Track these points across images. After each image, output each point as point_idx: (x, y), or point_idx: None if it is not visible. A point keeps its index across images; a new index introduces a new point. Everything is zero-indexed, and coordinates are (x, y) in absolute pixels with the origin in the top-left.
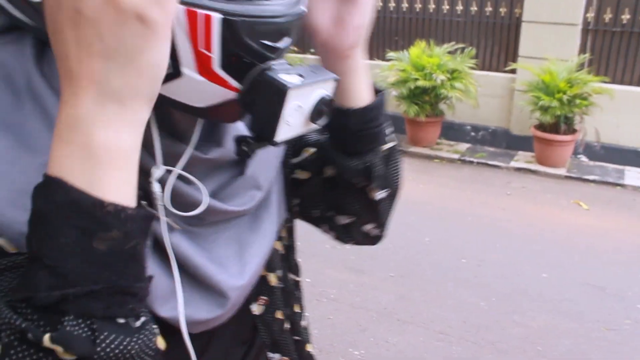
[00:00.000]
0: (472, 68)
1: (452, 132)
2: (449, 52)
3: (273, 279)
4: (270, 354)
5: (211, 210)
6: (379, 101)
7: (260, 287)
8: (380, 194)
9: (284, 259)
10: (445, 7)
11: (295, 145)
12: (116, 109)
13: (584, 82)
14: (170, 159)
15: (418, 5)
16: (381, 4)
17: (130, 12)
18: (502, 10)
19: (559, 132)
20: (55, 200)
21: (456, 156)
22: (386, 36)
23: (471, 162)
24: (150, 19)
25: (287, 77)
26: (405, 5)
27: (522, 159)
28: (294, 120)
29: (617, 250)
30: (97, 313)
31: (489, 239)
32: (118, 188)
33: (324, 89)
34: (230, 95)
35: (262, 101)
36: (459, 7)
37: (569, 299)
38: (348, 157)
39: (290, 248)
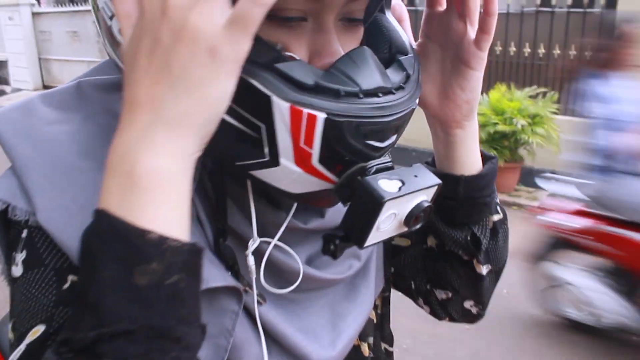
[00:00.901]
0: (554, 113)
1: (532, 178)
2: (530, 97)
3: (366, 350)
4: None
5: (306, 277)
6: (490, 169)
7: (353, 357)
8: (483, 269)
9: (378, 327)
10: (527, 49)
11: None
12: (165, 136)
13: None
14: (269, 228)
15: (498, 48)
16: None
17: (204, 45)
18: (588, 53)
19: None
20: (98, 232)
21: (534, 203)
22: None
23: None
24: (221, 54)
25: (386, 185)
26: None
27: None
28: (386, 226)
29: None
30: (134, 358)
31: None
32: (162, 218)
33: (425, 195)
34: (326, 186)
35: (358, 203)
36: (541, 50)
37: None
38: (454, 228)
39: (384, 317)
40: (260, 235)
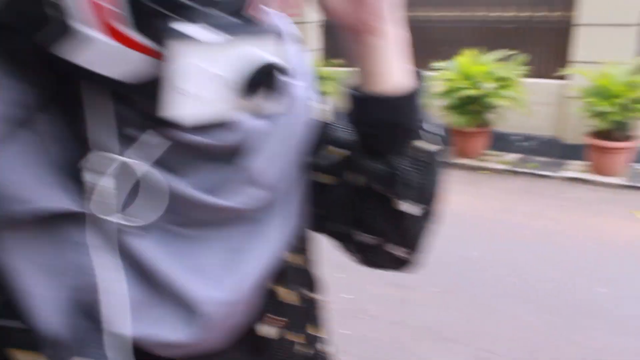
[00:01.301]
0: (523, 76)
1: (500, 142)
2: (498, 60)
3: (286, 295)
4: None
5: (194, 204)
6: (412, 89)
7: (270, 304)
8: (408, 207)
9: (301, 273)
10: (495, 13)
11: (318, 141)
12: None
13: None
14: (146, 147)
15: (465, 14)
16: (425, 13)
17: None
18: (556, 14)
19: (616, 139)
20: None
21: (505, 167)
22: (431, 46)
23: (521, 173)
24: None
25: (194, 30)
26: (452, 13)
27: (575, 168)
28: (208, 93)
29: None
30: None
31: (542, 252)
32: None
33: (260, 49)
34: (148, 62)
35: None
36: (509, 13)
37: (631, 315)
38: (373, 159)
39: (308, 261)
40: (133, 153)
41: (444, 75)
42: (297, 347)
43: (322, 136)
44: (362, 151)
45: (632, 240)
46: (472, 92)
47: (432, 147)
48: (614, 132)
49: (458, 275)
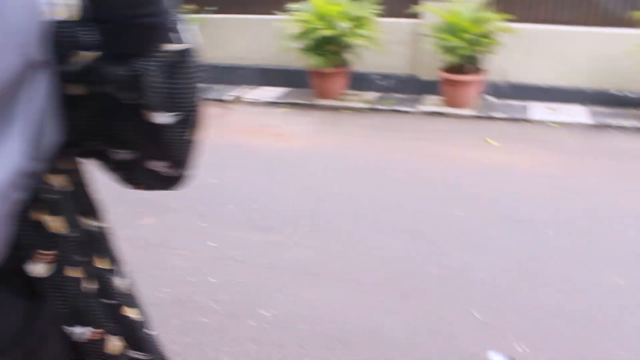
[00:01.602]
0: (377, 15)
1: (359, 82)
2: (353, 0)
3: (55, 225)
4: (69, 328)
5: None
6: None
7: (38, 238)
8: (160, 117)
9: (70, 198)
10: None
11: (63, 46)
12: None
13: (488, 20)
14: None
15: None
16: None
17: None
18: None
19: (465, 73)
20: None
21: (364, 106)
22: None
23: (380, 111)
24: None
25: None
26: None
27: (430, 103)
28: None
29: (529, 182)
30: None
31: (403, 183)
32: None
33: None
34: None
35: None
36: None
37: (487, 234)
38: (116, 63)
39: (80, 185)
40: None
41: (299, 16)
42: (80, 284)
43: (68, 38)
44: (106, 55)
45: (486, 164)
46: (328, 32)
47: (180, 47)
48: (464, 66)
49: (323, 212)
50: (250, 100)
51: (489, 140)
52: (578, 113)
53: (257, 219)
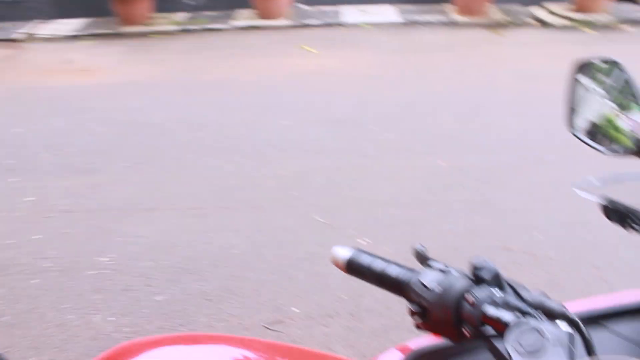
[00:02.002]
0: None
1: (166, 4)
2: None
3: None
4: None
5: None
6: None
7: None
8: None
9: None
10: None
11: None
12: None
13: None
14: None
15: None
16: None
17: None
18: None
19: None
20: None
21: (175, 28)
22: None
23: (193, 31)
24: None
25: None
26: None
27: (244, 17)
28: None
29: (350, 83)
30: None
31: (225, 101)
32: None
33: None
34: None
35: None
36: None
37: (315, 138)
38: None
39: None
40: None
41: None
42: None
43: None
44: None
45: (307, 71)
46: None
47: None
48: None
49: (142, 145)
50: (46, 37)
51: (306, 47)
52: (388, 13)
53: (77, 163)
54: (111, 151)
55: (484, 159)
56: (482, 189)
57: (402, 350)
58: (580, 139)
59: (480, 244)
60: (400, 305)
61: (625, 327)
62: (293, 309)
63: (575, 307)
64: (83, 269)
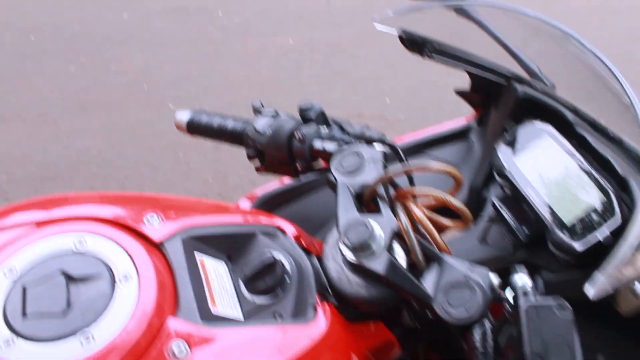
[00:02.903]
0: None
1: None
2: None
3: None
4: None
5: None
6: None
7: None
8: None
9: None
10: None
11: None
12: None
13: None
14: None
15: None
16: None
17: None
18: None
19: None
20: None
21: None
22: None
23: None
24: None
25: None
26: None
27: None
28: None
29: None
30: None
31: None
32: None
33: None
34: None
35: None
36: None
37: (158, 30)
38: None
39: None
40: None
41: None
42: None
43: None
44: None
45: None
46: None
47: None
48: None
49: None
50: None
51: None
52: None
53: None
54: None
55: (332, 34)
56: (332, 62)
57: (250, 198)
58: None
59: (336, 113)
60: (263, 177)
61: (441, 152)
62: None
63: (404, 139)
64: None
